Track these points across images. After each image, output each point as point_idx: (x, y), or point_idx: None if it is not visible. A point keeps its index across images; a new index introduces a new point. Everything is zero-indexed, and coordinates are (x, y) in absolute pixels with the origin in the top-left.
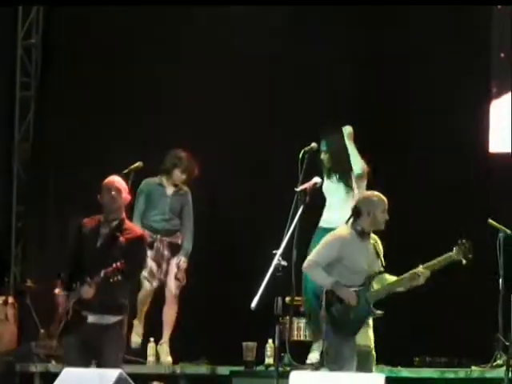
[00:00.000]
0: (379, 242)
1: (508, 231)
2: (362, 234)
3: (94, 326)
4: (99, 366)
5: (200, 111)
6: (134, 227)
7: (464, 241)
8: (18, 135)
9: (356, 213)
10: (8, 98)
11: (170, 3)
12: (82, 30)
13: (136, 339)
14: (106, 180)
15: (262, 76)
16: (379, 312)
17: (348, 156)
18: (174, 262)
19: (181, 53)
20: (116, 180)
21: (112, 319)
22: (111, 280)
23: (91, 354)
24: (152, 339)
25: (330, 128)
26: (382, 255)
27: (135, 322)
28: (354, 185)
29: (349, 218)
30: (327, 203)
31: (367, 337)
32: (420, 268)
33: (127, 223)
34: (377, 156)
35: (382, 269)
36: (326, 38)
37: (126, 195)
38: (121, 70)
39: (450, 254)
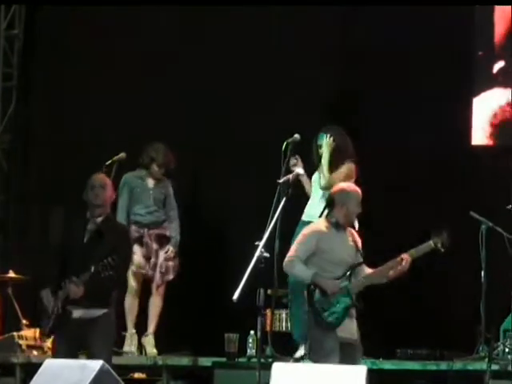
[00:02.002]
0: (355, 233)
1: (490, 223)
2: (338, 226)
3: (80, 321)
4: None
5: (182, 100)
6: (119, 223)
7: (441, 230)
8: (1, 126)
9: (330, 204)
10: None
11: (170, 3)
12: (64, 21)
13: (132, 349)
14: (91, 177)
15: (246, 64)
16: (360, 303)
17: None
18: (161, 253)
19: (164, 44)
20: (100, 177)
21: (98, 312)
22: (102, 275)
23: (81, 349)
24: (134, 330)
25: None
26: (359, 246)
27: (126, 335)
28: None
29: (323, 210)
30: (312, 196)
31: (352, 329)
32: (403, 256)
33: (112, 219)
34: (360, 150)
35: (361, 259)
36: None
37: (110, 192)
38: (103, 60)
39: (429, 242)
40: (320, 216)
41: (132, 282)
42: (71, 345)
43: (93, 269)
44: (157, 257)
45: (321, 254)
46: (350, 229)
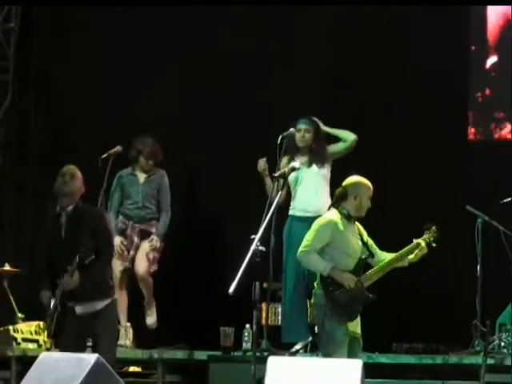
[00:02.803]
0: (359, 225)
1: (486, 217)
2: (349, 218)
3: (83, 316)
4: (95, 352)
5: (180, 98)
6: (90, 207)
7: (430, 225)
8: None
9: (342, 196)
10: None
11: (170, 3)
12: (61, 14)
13: (127, 343)
14: (62, 168)
15: (241, 62)
16: (373, 296)
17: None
18: (143, 246)
19: (163, 41)
20: (71, 168)
21: (100, 305)
22: (86, 261)
23: (87, 344)
24: (128, 324)
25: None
26: (365, 238)
27: (120, 328)
28: (328, 173)
29: (333, 202)
30: (300, 190)
31: (357, 323)
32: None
33: (83, 207)
34: (357, 144)
35: (367, 253)
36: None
37: (80, 184)
38: (100, 53)
39: (424, 237)
40: (329, 208)
41: (117, 274)
42: (77, 341)
43: (77, 258)
44: (136, 250)
45: (335, 244)
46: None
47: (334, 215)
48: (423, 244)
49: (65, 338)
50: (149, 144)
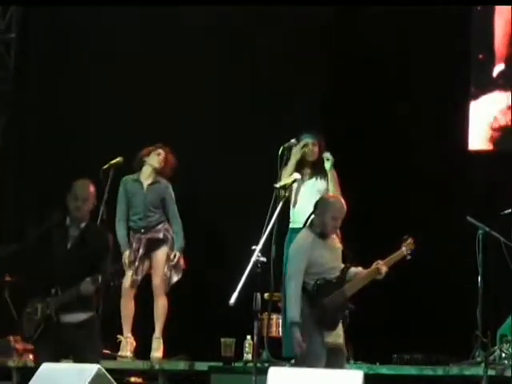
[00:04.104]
0: (336, 237)
1: (487, 228)
2: (321, 234)
3: (67, 326)
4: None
5: (181, 107)
6: (100, 227)
7: (406, 237)
8: None
9: (313, 212)
10: None
11: (170, 3)
12: (61, 25)
13: (127, 354)
14: (74, 185)
15: (243, 71)
16: (352, 306)
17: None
18: (156, 257)
19: (163, 46)
20: (84, 188)
21: (83, 316)
22: (111, 284)
23: (66, 354)
24: (129, 334)
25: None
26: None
27: (122, 339)
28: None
29: (308, 217)
30: (300, 203)
31: (336, 334)
32: (379, 264)
33: (93, 225)
34: (356, 154)
35: (347, 264)
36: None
37: (92, 200)
38: (100, 64)
39: (402, 250)
40: (305, 224)
41: (126, 285)
42: (56, 350)
43: (99, 278)
44: (142, 262)
45: (314, 264)
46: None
47: (304, 236)
48: (383, 269)
49: (45, 345)
50: (156, 150)
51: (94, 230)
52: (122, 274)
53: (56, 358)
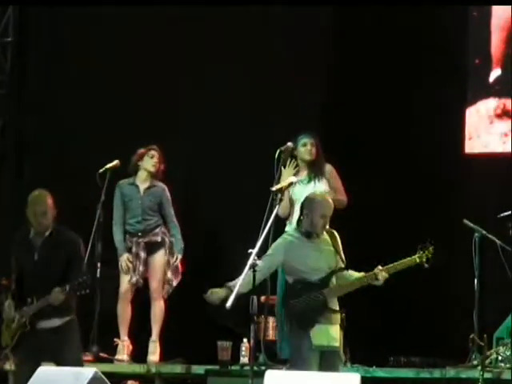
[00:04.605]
0: (337, 237)
1: (483, 231)
2: (308, 234)
3: (42, 332)
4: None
5: (180, 107)
6: (68, 233)
7: (427, 245)
8: None
9: (300, 212)
10: None
11: (169, 4)
12: (57, 29)
13: (124, 358)
14: (30, 200)
15: (242, 76)
16: (335, 308)
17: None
18: (154, 260)
19: (160, 49)
20: (40, 203)
21: (59, 321)
22: (78, 293)
23: (45, 360)
24: (126, 338)
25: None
26: (340, 251)
27: (118, 342)
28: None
29: (298, 219)
30: (297, 206)
31: (330, 336)
32: (379, 269)
33: (59, 230)
34: (355, 155)
35: (341, 265)
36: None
37: (52, 213)
38: (97, 67)
39: (414, 257)
40: (297, 223)
41: (122, 289)
42: (34, 355)
43: (67, 287)
44: (146, 264)
45: (291, 263)
46: (331, 232)
47: (288, 235)
48: (380, 275)
49: (22, 351)
50: (151, 152)
51: (61, 235)
52: (91, 284)
53: (36, 363)
